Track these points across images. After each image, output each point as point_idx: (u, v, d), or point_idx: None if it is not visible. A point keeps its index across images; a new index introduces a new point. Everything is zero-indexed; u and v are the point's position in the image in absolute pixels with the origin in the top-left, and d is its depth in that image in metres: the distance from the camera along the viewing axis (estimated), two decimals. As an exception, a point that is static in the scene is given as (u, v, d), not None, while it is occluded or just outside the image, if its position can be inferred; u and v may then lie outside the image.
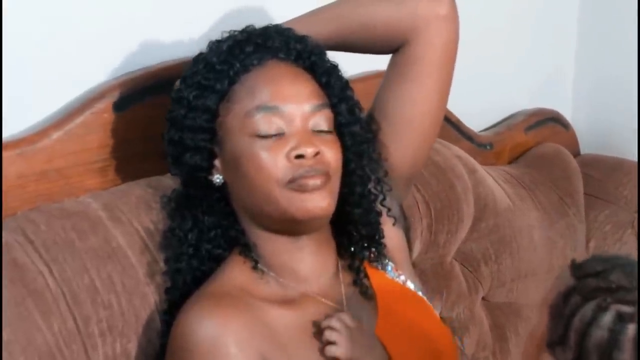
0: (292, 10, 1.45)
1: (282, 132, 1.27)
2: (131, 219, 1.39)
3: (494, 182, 2.02)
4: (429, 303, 1.41)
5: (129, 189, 1.44)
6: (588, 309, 1.06)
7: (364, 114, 1.38)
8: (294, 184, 1.25)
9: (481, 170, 1.98)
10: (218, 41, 1.34)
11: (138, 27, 1.55)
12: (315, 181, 1.26)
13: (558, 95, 2.43)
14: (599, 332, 1.05)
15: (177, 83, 1.35)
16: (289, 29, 1.35)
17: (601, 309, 1.05)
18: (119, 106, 1.48)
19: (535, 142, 2.28)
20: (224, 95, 1.30)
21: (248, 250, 1.32)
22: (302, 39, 1.34)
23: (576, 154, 2.34)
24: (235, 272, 1.32)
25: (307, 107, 1.29)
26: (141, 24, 1.55)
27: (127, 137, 1.49)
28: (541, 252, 2.02)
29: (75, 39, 1.47)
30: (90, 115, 1.46)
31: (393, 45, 1.42)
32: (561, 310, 1.08)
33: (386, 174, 1.39)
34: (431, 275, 1.81)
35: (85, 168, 1.46)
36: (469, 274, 1.90)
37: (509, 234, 1.96)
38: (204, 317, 1.24)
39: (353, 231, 1.37)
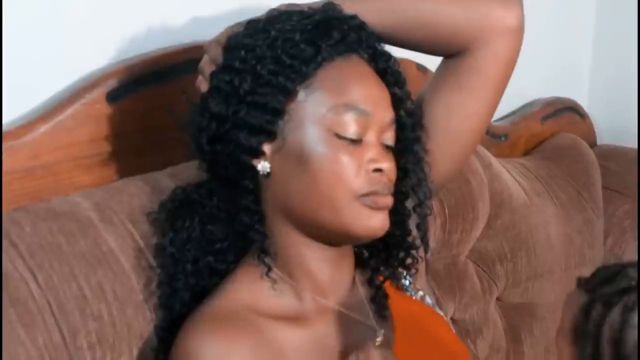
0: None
1: (361, 139, 1.17)
2: (124, 221, 1.32)
3: (510, 176, 1.99)
4: (445, 319, 1.36)
5: (122, 187, 1.37)
6: (615, 314, 1.02)
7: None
8: (367, 198, 1.16)
9: (497, 164, 1.95)
10: (292, 13, 1.21)
11: (135, 10, 1.48)
12: (387, 201, 1.18)
13: (574, 84, 2.41)
14: (634, 333, 1.00)
15: (232, 50, 1.21)
16: (364, 23, 1.23)
17: (629, 310, 1.02)
18: (113, 97, 1.42)
19: (552, 132, 2.26)
20: (304, 79, 1.19)
21: (265, 254, 1.22)
22: (379, 39, 1.24)
23: (592, 144, 2.33)
24: (244, 286, 1.23)
25: (387, 118, 1.20)
26: (138, 7, 1.49)
27: (122, 131, 1.43)
28: (558, 250, 1.99)
29: (65, 22, 1.41)
30: (81, 106, 1.40)
31: (451, 51, 1.31)
32: (585, 329, 1.04)
33: (430, 195, 1.29)
34: (444, 275, 1.78)
35: (75, 164, 1.40)
36: (483, 273, 1.87)
37: (525, 231, 1.93)
38: (206, 341, 1.16)
39: (384, 252, 1.28)
